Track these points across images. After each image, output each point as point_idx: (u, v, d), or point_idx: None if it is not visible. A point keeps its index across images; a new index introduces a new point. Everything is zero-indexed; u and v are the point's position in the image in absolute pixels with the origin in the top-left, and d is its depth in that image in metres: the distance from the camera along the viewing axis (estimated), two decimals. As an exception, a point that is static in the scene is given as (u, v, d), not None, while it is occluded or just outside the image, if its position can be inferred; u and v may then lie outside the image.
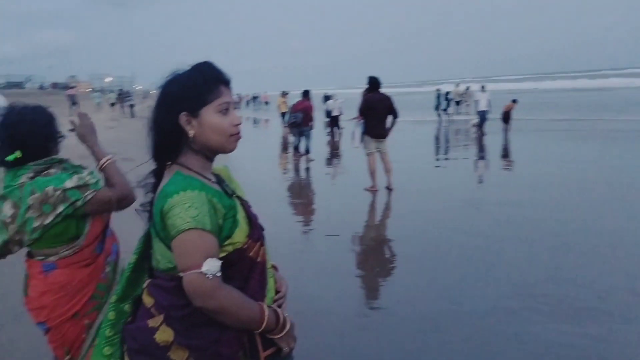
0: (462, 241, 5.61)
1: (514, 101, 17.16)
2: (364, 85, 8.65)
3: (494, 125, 17.35)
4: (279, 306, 1.54)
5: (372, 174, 8.39)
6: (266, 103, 49.12)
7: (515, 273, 4.61)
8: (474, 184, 9.31)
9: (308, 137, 11.94)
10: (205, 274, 1.28)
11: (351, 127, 8.89)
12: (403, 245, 5.66)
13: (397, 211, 7.42)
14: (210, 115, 1.39)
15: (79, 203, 1.87)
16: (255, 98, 53.77)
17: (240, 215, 1.43)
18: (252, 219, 1.48)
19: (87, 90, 40.25)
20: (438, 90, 24.56)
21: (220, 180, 1.54)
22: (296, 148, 12.24)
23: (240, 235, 1.40)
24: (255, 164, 12.51)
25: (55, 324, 1.94)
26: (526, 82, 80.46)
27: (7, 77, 59.94)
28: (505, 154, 13.25)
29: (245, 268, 1.43)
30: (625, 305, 3.87)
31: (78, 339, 1.96)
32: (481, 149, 14.42)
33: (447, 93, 24.81)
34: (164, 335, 1.37)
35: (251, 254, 1.44)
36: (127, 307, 1.53)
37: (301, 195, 9.00)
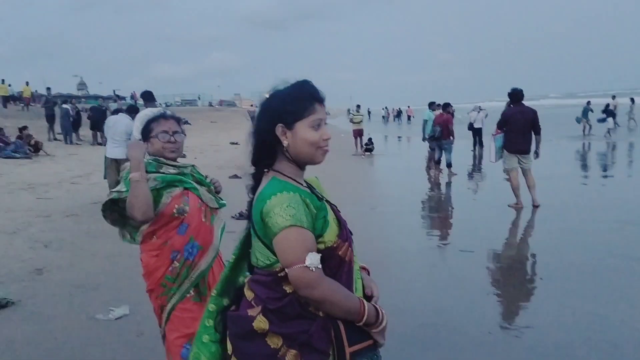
0: (613, 265, 5.11)
1: None
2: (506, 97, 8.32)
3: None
4: None
5: (515, 190, 7.97)
6: (410, 117, 48.58)
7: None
8: (635, 204, 8.37)
9: (449, 150, 11.69)
10: (309, 267, 1.43)
11: (489, 141, 8.46)
12: (543, 266, 5.32)
13: (541, 229, 6.97)
14: (303, 129, 1.53)
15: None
16: (399, 113, 53.32)
17: (331, 217, 1.55)
18: (341, 221, 1.59)
19: (252, 107, 44.16)
20: (588, 103, 23.25)
21: (310, 187, 1.68)
22: (437, 162, 12.06)
23: (330, 235, 1.51)
24: (398, 178, 12.59)
25: (147, 291, 2.51)
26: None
27: (181, 95, 67.36)
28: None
29: (335, 266, 1.53)
30: None
31: (157, 311, 2.48)
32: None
33: (607, 105, 22.74)
34: (260, 324, 1.52)
35: (340, 252, 1.54)
36: (225, 301, 1.72)
37: (440, 210, 8.86)
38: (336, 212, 1.63)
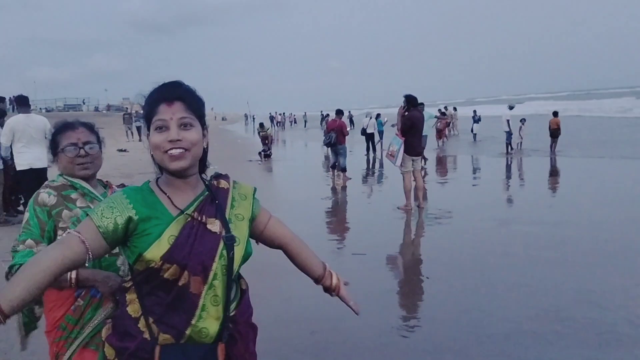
0: (490, 262, 5.47)
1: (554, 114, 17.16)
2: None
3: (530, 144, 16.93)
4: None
5: (408, 192, 8.28)
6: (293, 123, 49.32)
7: (542, 295, 4.45)
8: (507, 204, 9.07)
9: (343, 155, 11.97)
10: None
11: (391, 146, 8.50)
12: (429, 265, 5.56)
13: (428, 230, 7.32)
14: (152, 133, 1.44)
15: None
16: (272, 118, 52.07)
17: (167, 234, 1.39)
18: (179, 243, 1.40)
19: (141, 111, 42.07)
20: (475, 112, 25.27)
21: (213, 198, 1.52)
22: (332, 166, 12.29)
23: (153, 253, 1.37)
24: (293, 183, 12.64)
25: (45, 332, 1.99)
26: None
27: (64, 100, 62.51)
28: (552, 174, 12.91)
29: (161, 289, 1.41)
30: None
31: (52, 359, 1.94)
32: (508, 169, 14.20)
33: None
34: (104, 331, 1.55)
35: (165, 275, 1.38)
36: None
37: (334, 213, 8.98)
38: (185, 230, 1.41)
